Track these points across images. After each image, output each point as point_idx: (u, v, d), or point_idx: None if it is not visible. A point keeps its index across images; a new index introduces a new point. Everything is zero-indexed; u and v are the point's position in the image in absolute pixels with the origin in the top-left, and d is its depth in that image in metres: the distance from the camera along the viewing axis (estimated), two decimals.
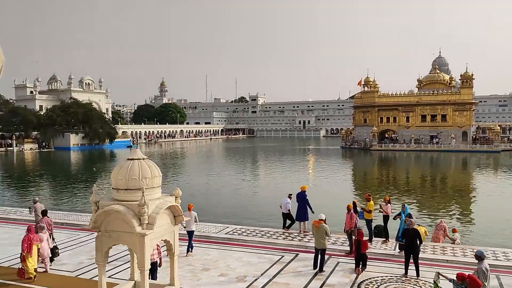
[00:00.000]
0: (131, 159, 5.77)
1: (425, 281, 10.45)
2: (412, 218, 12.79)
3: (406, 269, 10.96)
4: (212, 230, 15.41)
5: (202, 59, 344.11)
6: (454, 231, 14.76)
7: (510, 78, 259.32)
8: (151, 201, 5.50)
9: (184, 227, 12.82)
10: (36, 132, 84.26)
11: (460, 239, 14.63)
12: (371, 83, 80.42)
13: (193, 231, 13.13)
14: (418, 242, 11.02)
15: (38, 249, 10.69)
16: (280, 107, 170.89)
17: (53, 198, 28.92)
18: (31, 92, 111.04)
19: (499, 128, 73.73)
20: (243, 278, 10.90)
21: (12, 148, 77.60)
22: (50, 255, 11.61)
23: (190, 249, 12.93)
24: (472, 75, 72.44)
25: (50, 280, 10.63)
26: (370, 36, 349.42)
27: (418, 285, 10.27)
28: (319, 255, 11.46)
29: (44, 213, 12.90)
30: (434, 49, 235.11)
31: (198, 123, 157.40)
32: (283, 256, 12.74)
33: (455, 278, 7.53)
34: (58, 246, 12.61)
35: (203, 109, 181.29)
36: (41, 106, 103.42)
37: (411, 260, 10.93)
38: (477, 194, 30.42)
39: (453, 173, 45.69)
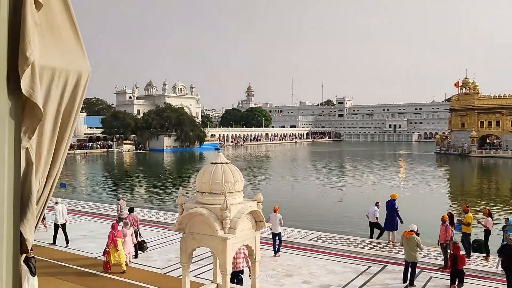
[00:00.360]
0: (215, 163, 5.83)
1: None
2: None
3: None
4: (295, 236, 15.23)
5: (288, 62, 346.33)
6: None
7: None
8: (233, 206, 5.50)
9: (270, 229, 13.08)
10: (134, 135, 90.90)
11: None
12: (470, 84, 74.55)
13: (280, 233, 13.29)
14: None
15: (122, 243, 11.54)
16: (368, 110, 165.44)
17: (147, 196, 30.85)
18: (130, 97, 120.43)
19: None
20: (327, 286, 10.58)
21: (112, 149, 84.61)
22: (136, 250, 12.46)
23: (278, 250, 13.18)
24: None
25: (134, 274, 11.32)
26: (469, 33, 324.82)
27: None
28: (410, 268, 10.75)
29: (131, 210, 13.88)
30: None
31: (283, 126, 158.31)
32: (369, 266, 12.17)
33: None
34: (146, 241, 13.37)
35: (288, 112, 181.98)
36: (138, 111, 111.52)
37: None
38: None
39: None
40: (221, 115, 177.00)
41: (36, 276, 8.37)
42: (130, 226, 12.42)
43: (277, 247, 13.23)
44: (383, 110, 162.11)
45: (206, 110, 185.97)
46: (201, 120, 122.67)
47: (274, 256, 13.01)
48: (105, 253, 11.42)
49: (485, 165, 58.12)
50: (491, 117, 71.55)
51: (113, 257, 11.18)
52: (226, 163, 5.88)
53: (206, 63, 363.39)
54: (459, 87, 76.10)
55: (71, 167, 56.80)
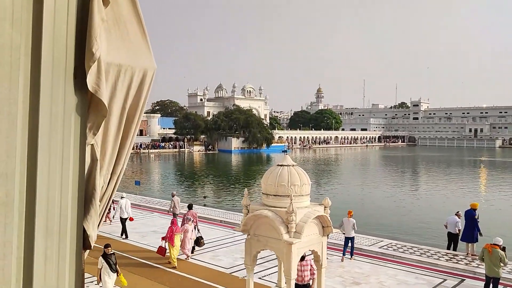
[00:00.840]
0: (281, 165, 5.71)
1: None
2: None
3: None
4: (364, 242, 14.68)
5: (360, 64, 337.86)
6: None
7: None
8: (299, 209, 5.34)
9: (343, 233, 13.13)
10: (204, 136, 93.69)
11: None
12: None
13: (353, 237, 13.24)
14: None
15: (182, 238, 12.02)
16: (446, 114, 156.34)
17: (216, 196, 31.53)
18: (201, 99, 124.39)
19: None
20: None
21: (183, 149, 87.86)
22: (193, 245, 12.83)
23: (351, 255, 13.13)
24: None
25: (199, 271, 11.60)
26: None
27: None
28: (491, 284, 9.87)
29: (190, 206, 14.42)
30: None
31: (354, 129, 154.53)
32: (445, 280, 11.37)
33: None
34: (203, 237, 13.69)
35: (359, 115, 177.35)
36: (208, 112, 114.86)
37: None
38: None
39: None
40: (289, 117, 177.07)
41: (116, 272, 8.94)
42: (191, 221, 12.88)
43: (349, 251, 13.19)
44: (463, 113, 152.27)
45: (274, 112, 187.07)
46: (269, 122, 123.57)
47: (342, 260, 12.89)
48: (164, 239, 12.12)
49: None
50: None
51: (172, 252, 11.72)
52: (293, 166, 5.74)
53: (276, 64, 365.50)
54: None
55: (145, 165, 59.80)
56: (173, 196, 16.92)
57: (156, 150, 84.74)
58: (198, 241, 13.33)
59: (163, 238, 12.25)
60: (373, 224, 20.02)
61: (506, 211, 26.62)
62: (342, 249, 13.14)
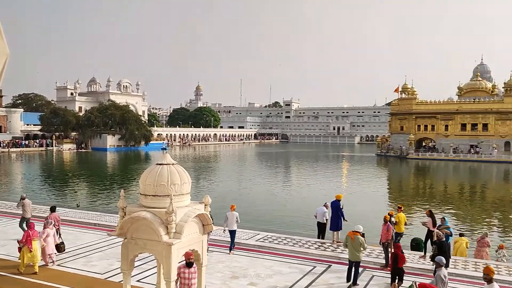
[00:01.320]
0: (160, 164, 5.58)
1: None
2: (450, 231, 12.27)
3: None
4: (242, 237, 15.14)
5: (238, 63, 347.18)
6: (501, 247, 13.86)
7: None
8: (180, 209, 5.27)
9: (226, 229, 13.56)
10: (75, 133, 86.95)
11: (507, 257, 13.70)
12: (409, 89, 78.43)
13: (235, 230, 13.65)
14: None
15: (42, 244, 11.16)
16: (314, 113, 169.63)
17: (90, 198, 29.52)
18: (71, 93, 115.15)
19: None
20: (273, 287, 10.57)
21: (51, 148, 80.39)
22: (55, 251, 12.07)
23: (232, 248, 13.49)
24: None
25: (53, 275, 10.85)
26: (409, 41, 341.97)
27: None
28: (353, 268, 11.00)
29: (53, 209, 13.55)
30: (476, 56, 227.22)
31: (231, 127, 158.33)
32: (315, 266, 12.32)
33: None
34: (64, 242, 12.89)
35: (237, 113, 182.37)
36: (80, 108, 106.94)
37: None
38: None
39: (495, 185, 43.62)
40: (168, 114, 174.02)
41: None
42: (53, 225, 12.05)
43: (232, 245, 13.58)
44: (328, 112, 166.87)
45: (153, 108, 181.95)
46: (147, 118, 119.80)
47: (229, 253, 13.34)
48: (20, 243, 11.19)
49: (422, 167, 61.34)
50: (427, 121, 75.67)
51: (26, 257, 10.80)
52: (173, 164, 5.65)
53: (154, 61, 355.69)
54: (399, 92, 79.81)
55: (5, 166, 53.29)
56: (23, 199, 15.22)
57: (19, 149, 76.00)
58: (59, 247, 12.44)
59: (19, 243, 11.16)
60: (250, 218, 20.78)
61: (365, 199, 29.90)
62: (222, 244, 13.43)
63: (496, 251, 13.62)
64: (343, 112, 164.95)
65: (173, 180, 5.39)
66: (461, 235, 14.40)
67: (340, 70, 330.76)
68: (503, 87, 71.80)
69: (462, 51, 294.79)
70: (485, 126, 70.83)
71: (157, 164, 5.66)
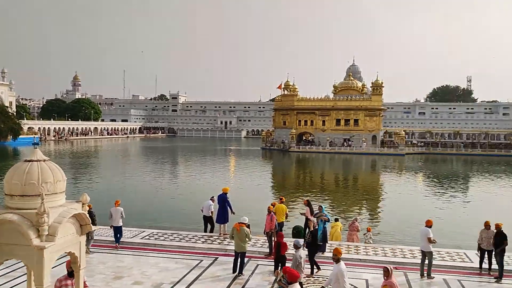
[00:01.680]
0: (30, 161, 5.03)
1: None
2: (327, 217, 13.30)
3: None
4: (126, 235, 14.52)
5: (120, 53, 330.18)
6: (368, 230, 15.42)
7: (413, 87, 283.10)
8: (53, 209, 4.82)
9: (112, 226, 13.40)
10: None
11: (373, 239, 15.31)
12: (290, 87, 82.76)
13: (121, 226, 13.48)
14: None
15: None
16: (201, 107, 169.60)
17: None
18: None
19: (404, 133, 79.81)
20: (159, 285, 10.34)
21: None
22: None
23: (117, 243, 13.33)
24: (382, 83, 77.63)
25: None
26: (291, 40, 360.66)
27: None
28: (239, 259, 11.28)
29: None
30: (349, 57, 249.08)
31: (114, 120, 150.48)
32: (201, 260, 12.36)
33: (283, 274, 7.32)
34: None
35: (120, 106, 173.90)
36: None
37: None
38: (386, 194, 32.42)
39: (364, 174, 48.46)
40: (41, 105, 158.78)
41: None
42: None
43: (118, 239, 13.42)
44: (215, 107, 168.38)
45: (22, 99, 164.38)
46: (15, 110, 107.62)
47: (116, 248, 13.21)
48: None
49: (302, 159, 65.43)
50: (307, 117, 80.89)
51: None
52: (44, 160, 5.14)
53: (23, 47, 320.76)
54: (282, 89, 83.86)
55: None
56: None
57: None
58: None
59: None
60: (136, 216, 19.99)
61: (251, 191, 30.88)
62: (104, 244, 12.85)
63: (364, 234, 15.15)
64: (230, 107, 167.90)
65: (45, 178, 4.90)
66: (336, 220, 15.68)
67: (227, 65, 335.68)
68: (371, 87, 79.90)
69: (337, 51, 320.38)
70: (356, 121, 78.09)
71: (25, 160, 5.10)
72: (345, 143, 76.99)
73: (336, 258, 8.46)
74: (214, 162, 56.50)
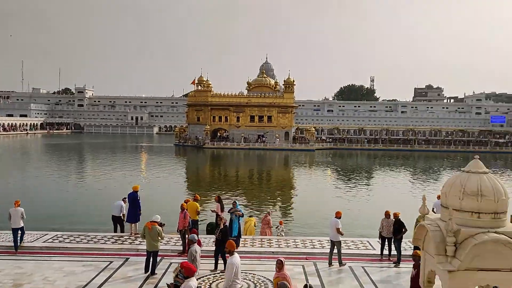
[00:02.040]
0: None
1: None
2: (241, 212, 13.51)
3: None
4: (27, 239, 13.40)
5: (17, 42, 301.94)
6: (280, 223, 15.91)
7: (323, 86, 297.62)
8: None
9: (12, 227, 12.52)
10: None
11: (285, 232, 15.83)
12: (204, 82, 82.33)
13: (22, 227, 12.69)
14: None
15: None
16: (110, 102, 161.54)
17: None
18: None
19: (314, 129, 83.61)
20: None
21: None
22: None
23: (18, 244, 12.64)
24: (294, 81, 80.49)
25: None
26: (202, 34, 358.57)
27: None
28: (151, 258, 10.99)
29: None
30: (262, 54, 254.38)
31: (11, 115, 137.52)
32: (111, 262, 11.83)
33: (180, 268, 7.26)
34: None
35: (18, 99, 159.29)
36: None
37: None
38: (298, 189, 33.75)
39: (277, 170, 49.94)
40: None
41: None
42: None
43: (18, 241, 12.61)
44: (126, 102, 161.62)
45: None
46: None
47: (16, 250, 12.41)
48: None
49: (217, 155, 65.56)
50: (221, 113, 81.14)
51: None
52: None
53: None
54: (196, 85, 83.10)
55: None
56: None
57: None
58: None
59: None
60: (38, 218, 18.46)
61: (164, 189, 30.21)
62: (0, 250, 11.77)
63: (276, 227, 15.62)
64: (141, 102, 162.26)
65: None
66: (250, 216, 15.98)
67: (138, 59, 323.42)
68: (283, 84, 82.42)
69: (252, 49, 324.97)
70: (269, 118, 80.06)
71: None
72: (259, 139, 78.59)
73: (227, 251, 8.51)
74: (124, 159, 54.24)
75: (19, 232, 12.59)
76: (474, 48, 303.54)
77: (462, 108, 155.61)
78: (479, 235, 4.79)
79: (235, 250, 8.61)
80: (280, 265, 7.90)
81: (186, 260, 9.00)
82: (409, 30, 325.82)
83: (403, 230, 12.06)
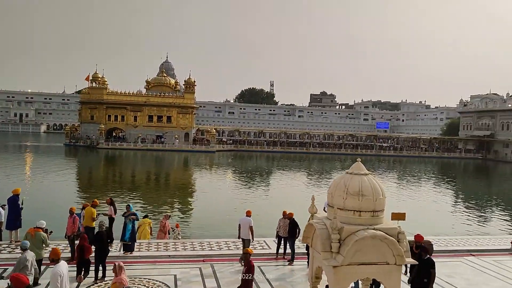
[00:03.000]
0: None
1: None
2: (136, 216, 13.03)
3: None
4: None
5: None
6: (176, 226, 15.67)
7: (226, 88, 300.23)
8: None
9: None
10: None
11: (181, 235, 15.64)
12: (99, 79, 77.92)
13: None
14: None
15: None
16: None
17: None
18: None
19: (215, 131, 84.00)
20: None
21: None
22: None
23: None
24: (195, 81, 79.98)
25: None
26: (99, 29, 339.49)
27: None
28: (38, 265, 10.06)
29: None
30: (162, 53, 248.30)
31: None
32: None
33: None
34: None
35: None
36: None
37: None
38: (197, 190, 33.58)
39: (176, 171, 49.17)
40: None
41: None
42: None
43: None
44: (8, 97, 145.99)
45: None
46: None
47: None
48: None
49: (112, 156, 62.45)
50: (118, 112, 77.51)
51: None
52: None
53: None
54: (90, 81, 78.28)
55: None
56: None
57: None
58: None
59: None
60: None
61: (51, 192, 27.91)
62: None
63: (173, 230, 15.36)
64: (27, 98, 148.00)
65: None
66: (145, 217, 15.35)
67: (25, 50, 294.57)
68: (184, 84, 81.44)
69: (152, 47, 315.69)
70: (169, 118, 78.48)
71: None
72: (157, 140, 76.63)
73: (51, 259, 7.91)
74: (5, 160, 48.95)
75: None
76: (363, 59, 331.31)
77: (352, 114, 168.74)
78: (360, 232, 5.23)
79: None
80: (119, 270, 7.79)
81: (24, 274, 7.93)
82: (306, 38, 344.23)
83: (297, 230, 12.65)
